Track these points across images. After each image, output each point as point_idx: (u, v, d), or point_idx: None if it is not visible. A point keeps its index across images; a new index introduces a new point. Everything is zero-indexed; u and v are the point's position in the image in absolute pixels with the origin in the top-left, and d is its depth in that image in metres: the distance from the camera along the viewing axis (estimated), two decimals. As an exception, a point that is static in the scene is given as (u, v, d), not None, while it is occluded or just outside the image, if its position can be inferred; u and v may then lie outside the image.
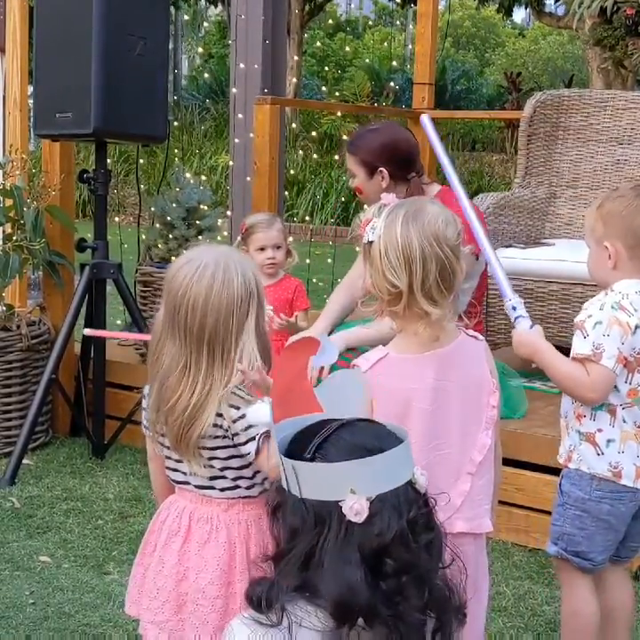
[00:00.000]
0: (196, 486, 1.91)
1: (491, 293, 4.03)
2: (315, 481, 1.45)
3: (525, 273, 4.04)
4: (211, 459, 1.87)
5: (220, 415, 1.83)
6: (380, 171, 3.28)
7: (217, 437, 1.84)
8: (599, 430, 2.21)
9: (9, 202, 4.08)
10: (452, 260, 1.82)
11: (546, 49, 23.39)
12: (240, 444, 1.83)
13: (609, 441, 2.21)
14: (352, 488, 1.42)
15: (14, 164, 4.15)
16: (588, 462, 2.22)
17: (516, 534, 3.25)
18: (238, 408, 1.81)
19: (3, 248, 4.03)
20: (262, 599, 1.44)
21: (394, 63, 18.10)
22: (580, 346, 2.18)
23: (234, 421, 1.81)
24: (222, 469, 1.88)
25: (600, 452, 2.21)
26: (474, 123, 16.21)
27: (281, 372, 1.65)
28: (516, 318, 2.20)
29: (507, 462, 3.22)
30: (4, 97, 4.41)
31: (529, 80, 19.30)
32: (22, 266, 4.08)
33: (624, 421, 2.21)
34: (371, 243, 1.85)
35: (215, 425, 1.83)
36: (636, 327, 2.17)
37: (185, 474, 1.92)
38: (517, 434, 3.30)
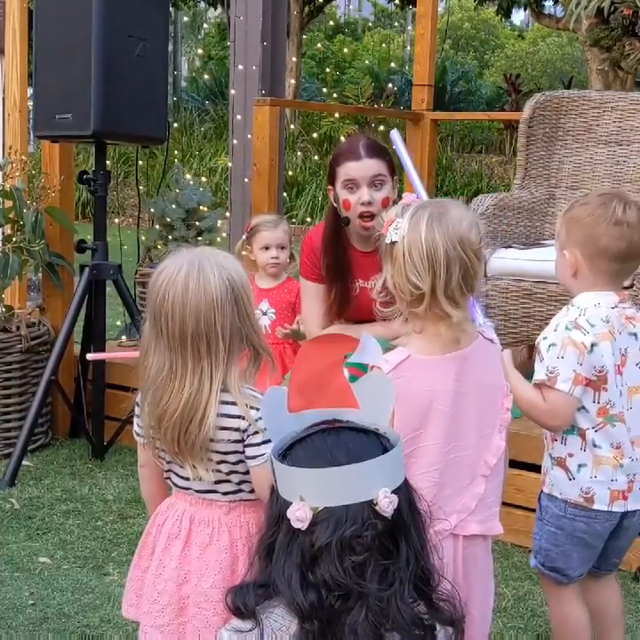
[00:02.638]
0: (197, 491, 1.91)
1: (490, 294, 4.03)
2: (280, 479, 1.49)
3: (525, 273, 4.03)
4: (220, 462, 1.85)
5: (236, 417, 1.81)
6: (395, 177, 3.09)
7: (232, 442, 1.83)
8: (570, 455, 2.17)
9: (9, 203, 4.08)
10: (475, 263, 1.82)
11: (545, 50, 23.39)
12: (253, 445, 1.82)
13: (580, 466, 2.16)
14: (302, 495, 1.43)
15: (14, 165, 4.15)
16: (559, 487, 2.18)
17: (516, 535, 3.25)
18: (259, 409, 1.79)
19: (2, 249, 4.03)
20: (237, 604, 1.48)
21: (393, 65, 18.11)
22: (537, 370, 2.13)
23: (256, 420, 1.80)
24: (228, 473, 1.87)
25: (571, 477, 2.16)
26: (473, 124, 16.21)
27: (305, 362, 1.64)
28: None
29: (506, 463, 3.24)
30: (3, 98, 4.42)
31: (528, 82, 19.30)
32: (22, 267, 4.08)
33: (595, 445, 2.14)
34: (393, 243, 1.84)
35: (229, 428, 1.82)
36: (593, 345, 2.10)
37: (187, 479, 1.90)
38: (517, 435, 3.30)
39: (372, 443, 1.49)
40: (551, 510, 2.21)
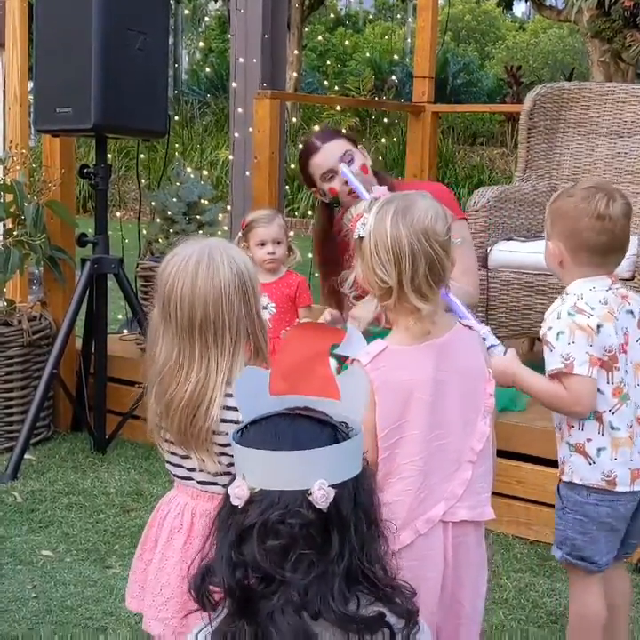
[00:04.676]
0: (198, 482, 1.91)
1: (491, 287, 4.03)
2: (234, 455, 1.52)
3: (526, 266, 4.04)
4: (220, 454, 1.86)
5: (234, 409, 1.81)
6: (359, 145, 3.27)
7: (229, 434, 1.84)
8: (588, 440, 2.17)
9: (9, 197, 4.08)
10: (442, 255, 1.83)
11: (546, 42, 23.34)
12: None
13: (599, 449, 2.16)
14: (244, 474, 1.45)
15: (15, 159, 4.15)
16: (579, 474, 2.18)
17: (517, 527, 3.26)
18: None
19: (3, 243, 4.04)
20: (193, 589, 1.51)
21: (394, 57, 18.08)
22: (550, 361, 2.13)
23: None
24: (229, 465, 1.87)
25: (592, 462, 2.16)
26: (474, 116, 16.17)
27: (291, 348, 1.64)
28: (488, 348, 2.14)
29: (508, 455, 3.25)
30: (4, 92, 4.42)
31: (529, 73, 19.26)
32: (23, 261, 4.08)
33: (613, 428, 2.15)
34: (361, 238, 1.87)
35: (229, 420, 1.82)
36: (599, 326, 2.11)
37: (189, 470, 1.91)
38: (518, 426, 3.31)
39: (324, 434, 1.48)
40: (573, 498, 2.20)
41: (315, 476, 1.42)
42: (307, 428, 1.49)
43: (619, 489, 2.16)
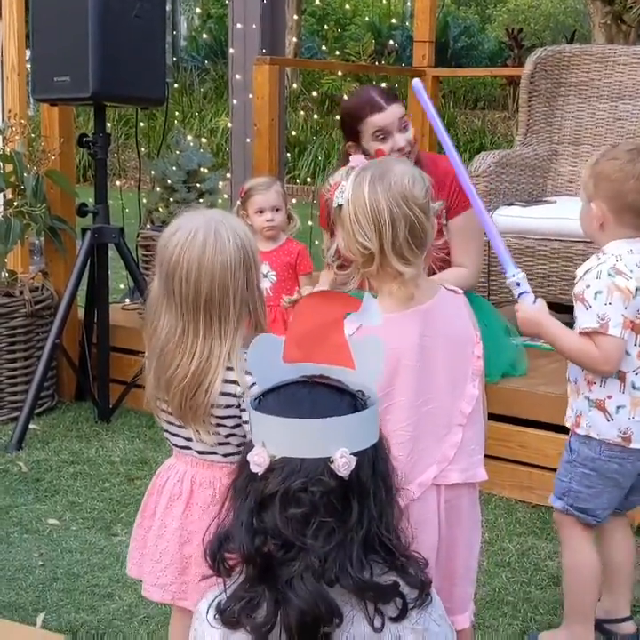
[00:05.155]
0: (197, 452, 1.92)
1: (492, 251, 4.03)
2: (251, 423, 1.51)
3: (527, 231, 4.03)
4: (218, 425, 1.87)
5: (233, 382, 1.82)
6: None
7: (228, 407, 1.84)
8: (609, 397, 2.21)
9: (9, 167, 4.07)
10: (422, 218, 1.84)
11: (547, 4, 23.11)
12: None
13: (619, 407, 2.20)
14: (264, 441, 1.45)
15: (14, 129, 4.14)
16: (597, 429, 2.22)
17: (520, 491, 3.28)
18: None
19: (4, 214, 4.03)
20: (209, 556, 1.52)
21: (394, 21, 17.90)
22: (584, 319, 2.17)
23: (249, 387, 1.80)
24: (227, 436, 1.88)
25: (610, 419, 2.21)
26: (475, 80, 16.06)
27: (305, 315, 1.64)
28: (519, 294, 2.18)
29: (510, 420, 3.27)
30: (1, 62, 4.39)
31: (531, 36, 19.09)
32: (24, 232, 4.08)
33: (634, 388, 2.20)
34: (340, 206, 1.88)
35: (227, 393, 1.83)
36: (637, 289, 2.16)
37: (186, 439, 1.92)
38: (520, 391, 3.32)
39: (344, 402, 1.49)
40: (585, 452, 2.25)
41: (336, 443, 1.43)
42: (326, 396, 1.49)
43: (633, 446, 2.21)
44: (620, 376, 2.20)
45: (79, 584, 2.74)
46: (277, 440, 1.44)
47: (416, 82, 2.51)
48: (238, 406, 1.84)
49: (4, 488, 3.39)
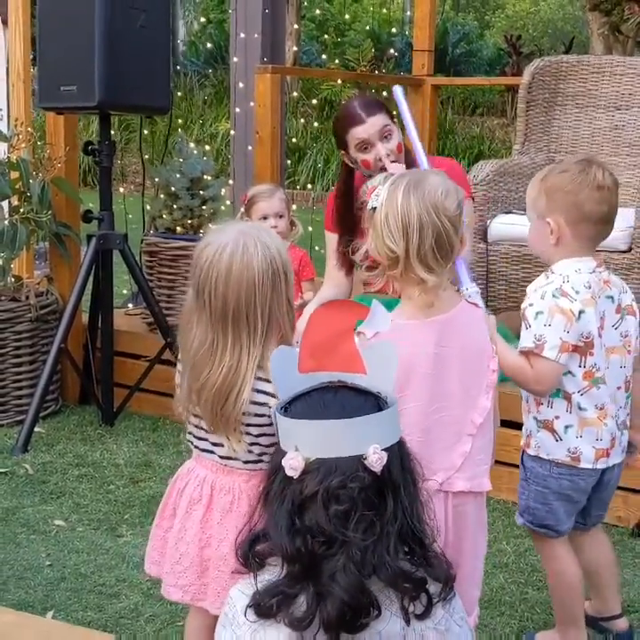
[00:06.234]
0: (220, 456, 1.95)
1: (491, 260, 4.09)
2: (280, 431, 1.59)
3: (525, 239, 4.08)
4: (245, 434, 1.89)
5: (270, 395, 1.84)
6: (394, 120, 3.31)
7: (258, 416, 1.86)
8: (556, 417, 2.22)
9: (15, 174, 4.13)
10: (450, 230, 1.89)
11: (546, 11, 23.19)
12: None
13: (567, 427, 2.21)
14: (297, 445, 1.52)
15: (20, 136, 4.19)
16: (546, 449, 2.24)
17: (516, 494, 3.32)
18: None
19: (10, 220, 4.09)
20: (241, 556, 1.60)
21: (394, 30, 17.96)
22: (524, 337, 2.16)
23: None
24: (251, 445, 1.91)
25: (559, 439, 2.22)
26: (474, 87, 16.13)
27: (317, 325, 1.70)
28: None
29: (507, 424, 3.30)
30: (7, 69, 4.44)
31: (529, 43, 19.15)
32: (29, 238, 4.14)
33: (580, 408, 2.20)
34: (374, 209, 1.95)
35: (261, 403, 1.85)
36: (580, 312, 2.13)
37: (213, 444, 1.95)
38: (518, 396, 3.36)
39: (368, 403, 1.57)
40: (536, 471, 2.27)
41: (367, 441, 1.51)
42: (352, 398, 1.57)
43: (582, 465, 2.23)
44: (566, 396, 2.20)
45: (86, 583, 2.79)
46: (311, 443, 1.51)
47: (396, 88, 2.65)
48: (269, 416, 1.85)
49: (10, 490, 3.44)
